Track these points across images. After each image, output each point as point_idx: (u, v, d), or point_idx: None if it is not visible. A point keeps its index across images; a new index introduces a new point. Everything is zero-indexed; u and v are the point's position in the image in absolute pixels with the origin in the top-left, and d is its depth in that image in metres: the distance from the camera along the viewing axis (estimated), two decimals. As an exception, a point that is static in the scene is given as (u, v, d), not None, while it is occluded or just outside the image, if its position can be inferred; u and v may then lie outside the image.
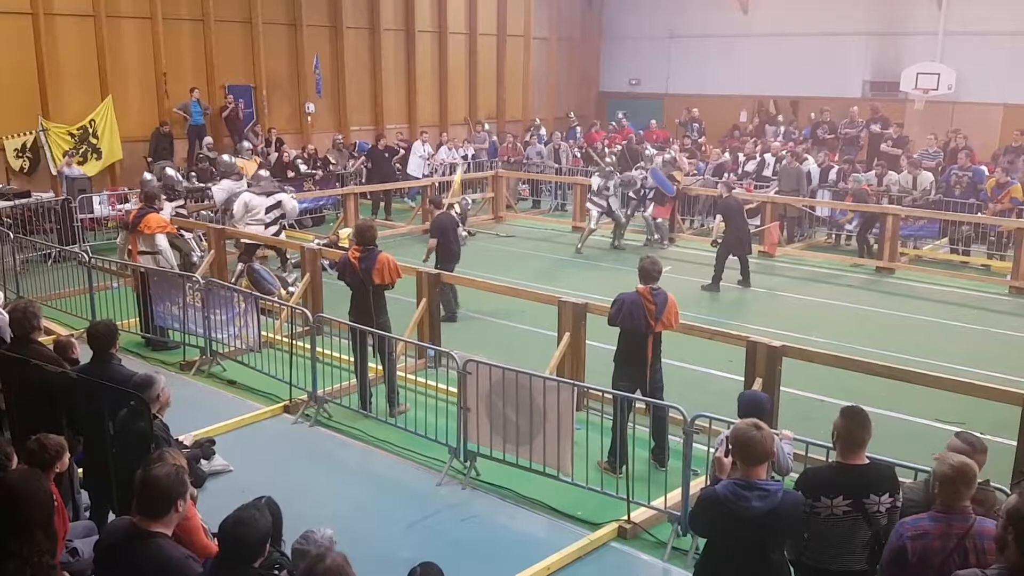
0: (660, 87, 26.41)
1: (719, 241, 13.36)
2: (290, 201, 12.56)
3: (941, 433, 7.34)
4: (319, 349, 8.26)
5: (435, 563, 4.03)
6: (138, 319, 10.19)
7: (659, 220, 16.33)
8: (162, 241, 10.40)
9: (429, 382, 8.53)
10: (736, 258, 13.29)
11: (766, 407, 5.52)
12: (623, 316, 7.08)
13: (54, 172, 15.97)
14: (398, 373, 8.54)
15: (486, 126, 22.97)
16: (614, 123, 24.09)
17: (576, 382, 7.24)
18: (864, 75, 23.18)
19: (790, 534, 4.31)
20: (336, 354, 8.80)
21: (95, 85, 16.86)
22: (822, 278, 14.26)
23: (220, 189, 13.19)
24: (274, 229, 12.30)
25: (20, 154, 16.02)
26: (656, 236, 16.37)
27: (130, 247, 10.42)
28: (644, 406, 7.20)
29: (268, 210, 12.29)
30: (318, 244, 12.47)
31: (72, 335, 9.68)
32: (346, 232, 14.58)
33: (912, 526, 3.95)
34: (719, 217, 13.67)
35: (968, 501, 3.93)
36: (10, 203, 13.62)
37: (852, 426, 4.37)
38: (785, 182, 16.65)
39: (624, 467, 6.88)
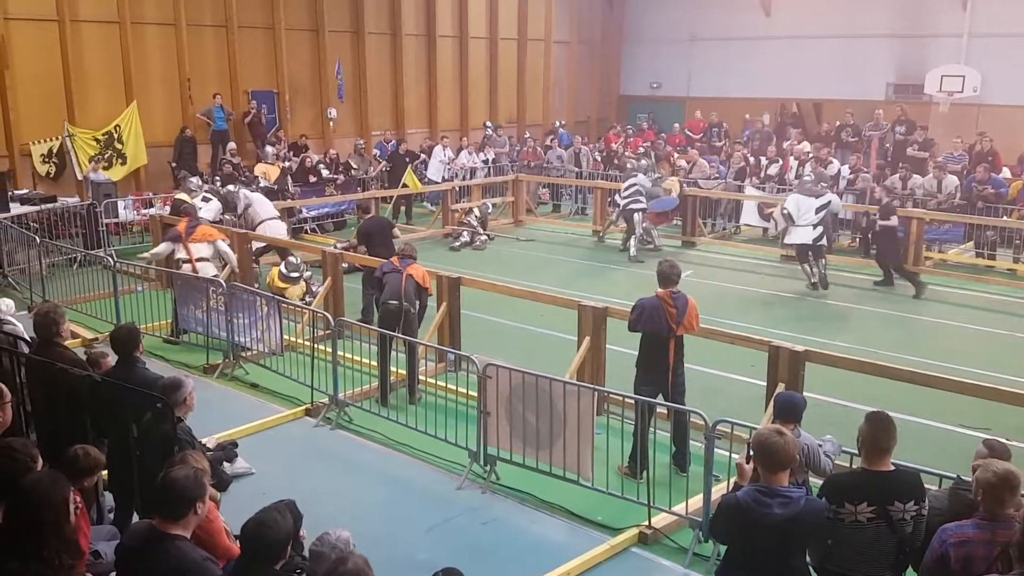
0: (681, 90, 26.33)
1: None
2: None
3: (966, 439, 7.27)
4: (340, 352, 8.30)
5: (456, 567, 4.03)
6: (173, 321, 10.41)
7: (646, 224, 16.20)
8: (222, 245, 10.92)
9: (449, 386, 8.54)
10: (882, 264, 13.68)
11: (801, 408, 5.48)
12: (644, 321, 7.05)
13: (80, 177, 16.15)
14: (419, 377, 8.64)
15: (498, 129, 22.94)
16: (631, 127, 24.08)
17: (596, 386, 7.23)
18: (888, 77, 22.98)
19: (812, 541, 4.28)
20: (357, 357, 8.84)
21: (120, 91, 17.05)
22: (845, 281, 14.13)
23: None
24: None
25: (46, 159, 16.22)
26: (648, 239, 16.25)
27: (179, 256, 10.61)
28: (666, 411, 7.18)
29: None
30: (339, 248, 12.52)
31: (97, 339, 9.82)
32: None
33: (955, 532, 3.90)
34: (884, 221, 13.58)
35: (1012, 508, 3.88)
36: (36, 208, 13.80)
37: (877, 432, 4.33)
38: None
39: (644, 472, 6.85)
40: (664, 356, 7.06)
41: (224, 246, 10.95)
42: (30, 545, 3.77)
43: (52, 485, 3.94)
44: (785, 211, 13.49)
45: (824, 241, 13.29)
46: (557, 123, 24.33)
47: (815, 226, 13.06)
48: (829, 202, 13.37)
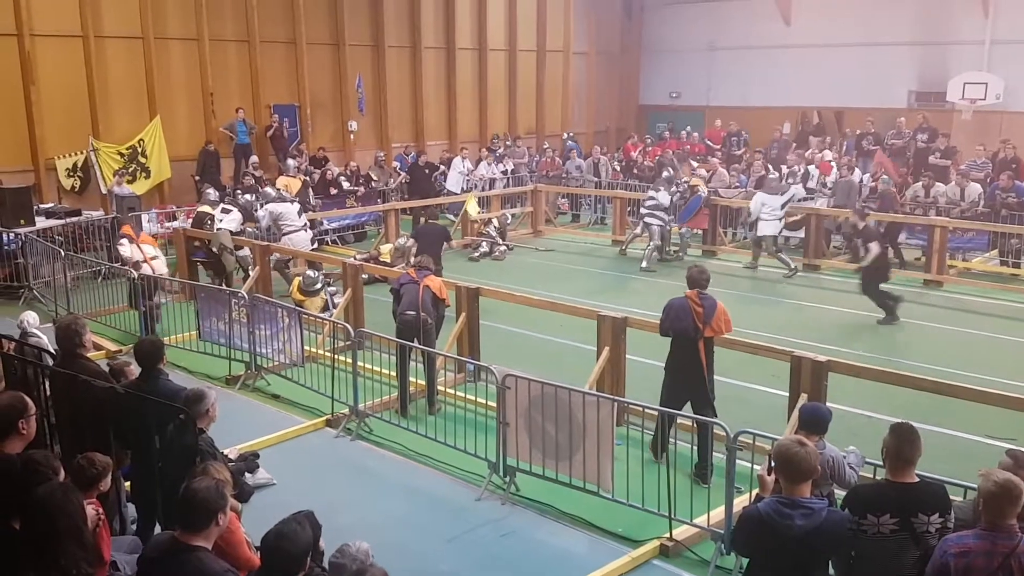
0: (701, 99, 26.29)
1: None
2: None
3: (991, 450, 7.15)
4: (360, 363, 8.32)
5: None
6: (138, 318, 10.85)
7: (683, 230, 16.38)
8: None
9: (468, 396, 8.55)
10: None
11: (826, 419, 5.43)
12: (671, 319, 7.15)
13: (104, 191, 16.36)
14: (438, 388, 8.67)
15: (507, 141, 22.79)
16: (650, 136, 24.04)
17: (616, 397, 7.20)
18: (910, 85, 22.84)
19: (835, 553, 4.23)
20: (377, 368, 8.87)
21: (144, 105, 17.27)
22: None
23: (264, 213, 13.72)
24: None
25: (71, 173, 16.44)
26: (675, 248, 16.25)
27: (138, 259, 11.35)
28: (689, 421, 7.15)
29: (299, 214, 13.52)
30: (359, 259, 12.60)
31: (121, 351, 9.92)
32: (387, 248, 14.73)
33: (956, 543, 3.87)
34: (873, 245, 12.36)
35: (1014, 519, 3.83)
36: (62, 221, 13.96)
37: (901, 443, 4.28)
38: (840, 195, 16.42)
39: (664, 454, 6.82)
40: (694, 358, 7.09)
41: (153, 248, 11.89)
42: (48, 555, 3.80)
43: (65, 494, 3.98)
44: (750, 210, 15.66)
45: (785, 232, 15.92)
46: (566, 135, 24.06)
47: (780, 219, 15.35)
48: (792, 196, 15.62)
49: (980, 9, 21.33)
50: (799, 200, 15.94)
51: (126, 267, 11.19)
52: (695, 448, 7.09)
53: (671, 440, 7.16)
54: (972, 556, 3.80)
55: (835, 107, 23.52)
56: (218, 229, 12.75)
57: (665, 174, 17.07)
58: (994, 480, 3.84)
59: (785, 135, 22.24)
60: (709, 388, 7.19)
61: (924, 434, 4.42)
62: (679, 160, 20.11)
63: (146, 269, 11.08)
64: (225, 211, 13.24)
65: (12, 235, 12.96)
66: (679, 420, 7.14)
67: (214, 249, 12.60)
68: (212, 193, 14.41)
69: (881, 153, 17.94)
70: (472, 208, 17.22)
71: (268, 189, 14.79)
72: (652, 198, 15.75)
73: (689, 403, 7.23)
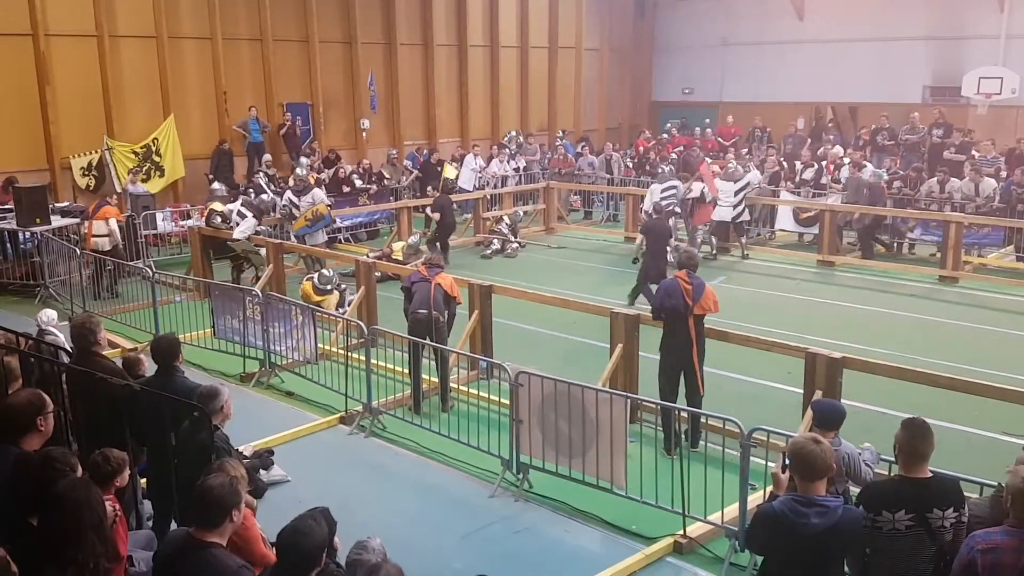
0: (714, 95, 26.18)
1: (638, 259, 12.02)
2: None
3: (1008, 446, 7.13)
4: (373, 361, 8.35)
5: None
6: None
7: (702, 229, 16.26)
8: (113, 224, 12.97)
9: (481, 393, 8.55)
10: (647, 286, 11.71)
11: (840, 415, 5.41)
12: (662, 296, 7.65)
13: (119, 189, 16.43)
14: (451, 385, 8.70)
15: (519, 139, 22.66)
16: (665, 134, 23.96)
17: (629, 394, 7.19)
18: (924, 80, 22.68)
19: (850, 551, 4.21)
20: (390, 366, 8.90)
21: (158, 104, 17.35)
22: (883, 287, 13.95)
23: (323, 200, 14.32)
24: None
25: (86, 172, 16.54)
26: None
27: (86, 232, 12.97)
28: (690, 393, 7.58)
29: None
30: (372, 257, 12.63)
31: (136, 348, 9.98)
32: (400, 245, 14.76)
33: (983, 539, 3.84)
34: (641, 237, 12.33)
35: None
36: (77, 220, 14.05)
37: (914, 439, 4.26)
38: (851, 192, 16.33)
39: (678, 449, 6.82)
40: (686, 335, 7.46)
41: (114, 224, 12.96)
42: (67, 549, 3.82)
43: (86, 489, 4.01)
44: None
45: (745, 217, 16.26)
46: (560, 133, 23.57)
47: (734, 206, 15.88)
48: (748, 183, 16.07)
49: (995, 3, 21.15)
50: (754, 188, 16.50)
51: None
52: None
53: (683, 436, 7.17)
54: (1000, 553, 3.77)
55: (849, 103, 23.38)
56: (235, 239, 12.87)
57: (667, 169, 17.00)
58: (1023, 477, 3.81)
59: (800, 131, 22.12)
60: (698, 366, 7.52)
61: (940, 430, 4.40)
62: (693, 159, 19.99)
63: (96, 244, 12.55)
64: (241, 215, 13.27)
65: (28, 234, 13.06)
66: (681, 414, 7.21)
67: (237, 251, 12.88)
68: (219, 188, 14.53)
69: (705, 165, 17.15)
70: (450, 172, 17.71)
71: (299, 171, 15.41)
72: (671, 188, 15.31)
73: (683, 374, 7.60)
